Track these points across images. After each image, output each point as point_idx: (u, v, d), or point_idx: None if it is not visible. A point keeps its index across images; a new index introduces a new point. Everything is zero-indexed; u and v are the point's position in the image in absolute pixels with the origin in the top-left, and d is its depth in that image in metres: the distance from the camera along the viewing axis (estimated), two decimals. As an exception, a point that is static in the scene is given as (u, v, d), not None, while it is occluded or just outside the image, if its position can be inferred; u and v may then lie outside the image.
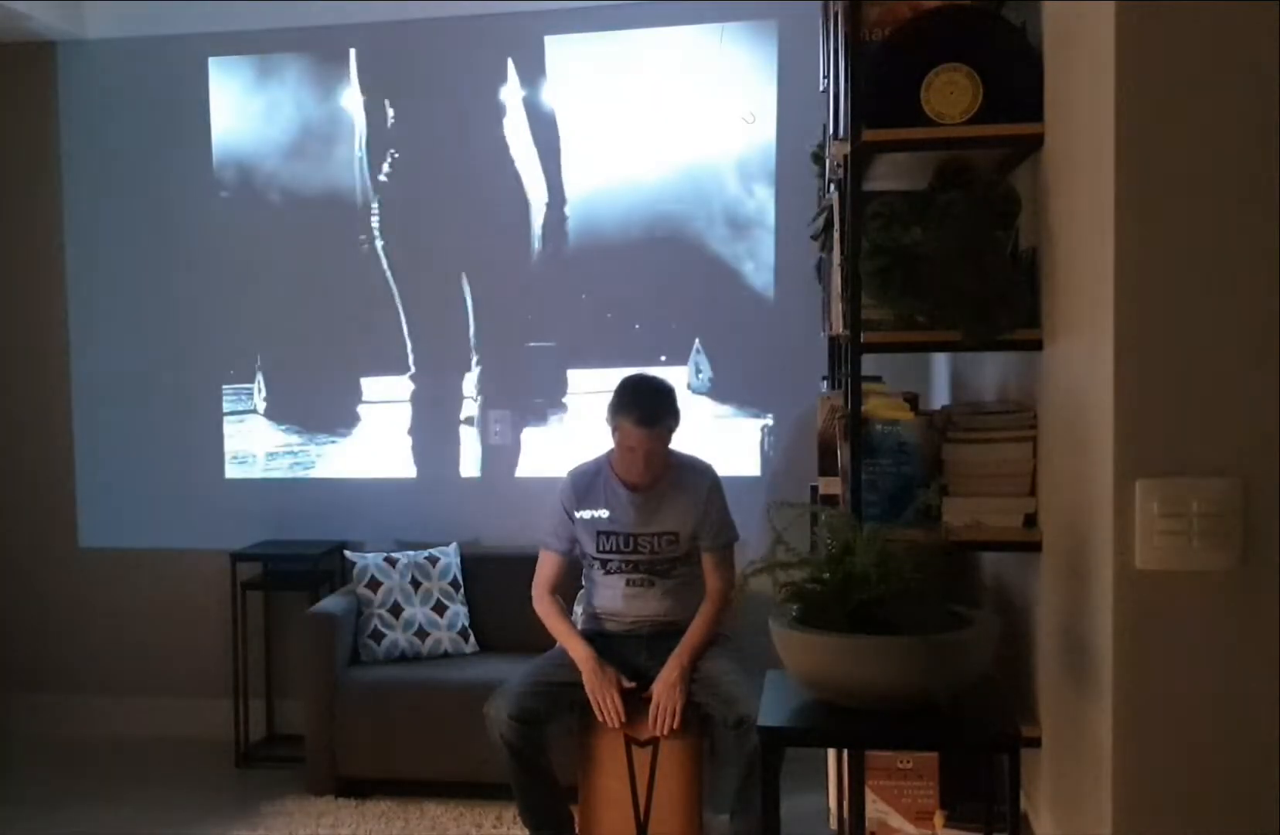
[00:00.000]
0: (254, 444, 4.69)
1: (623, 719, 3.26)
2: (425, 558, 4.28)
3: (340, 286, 4.60)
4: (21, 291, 4.77)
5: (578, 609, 3.73)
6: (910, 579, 1.70)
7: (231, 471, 4.70)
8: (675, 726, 3.26)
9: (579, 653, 3.33)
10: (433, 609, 4.20)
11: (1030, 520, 2.01)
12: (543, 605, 3.48)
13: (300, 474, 4.67)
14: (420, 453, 4.62)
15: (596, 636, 3.46)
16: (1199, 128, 1.43)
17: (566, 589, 3.60)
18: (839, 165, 2.21)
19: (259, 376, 4.67)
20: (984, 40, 1.97)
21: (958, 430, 2.05)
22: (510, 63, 4.44)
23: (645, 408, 3.32)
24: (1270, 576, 1.44)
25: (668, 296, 4.42)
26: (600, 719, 3.28)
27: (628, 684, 3.28)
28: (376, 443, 4.63)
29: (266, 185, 4.62)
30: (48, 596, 4.77)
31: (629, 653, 3.43)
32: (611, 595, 3.48)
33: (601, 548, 3.45)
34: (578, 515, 3.46)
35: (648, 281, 4.42)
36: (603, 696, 3.26)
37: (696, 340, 4.40)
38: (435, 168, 4.53)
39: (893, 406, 2.16)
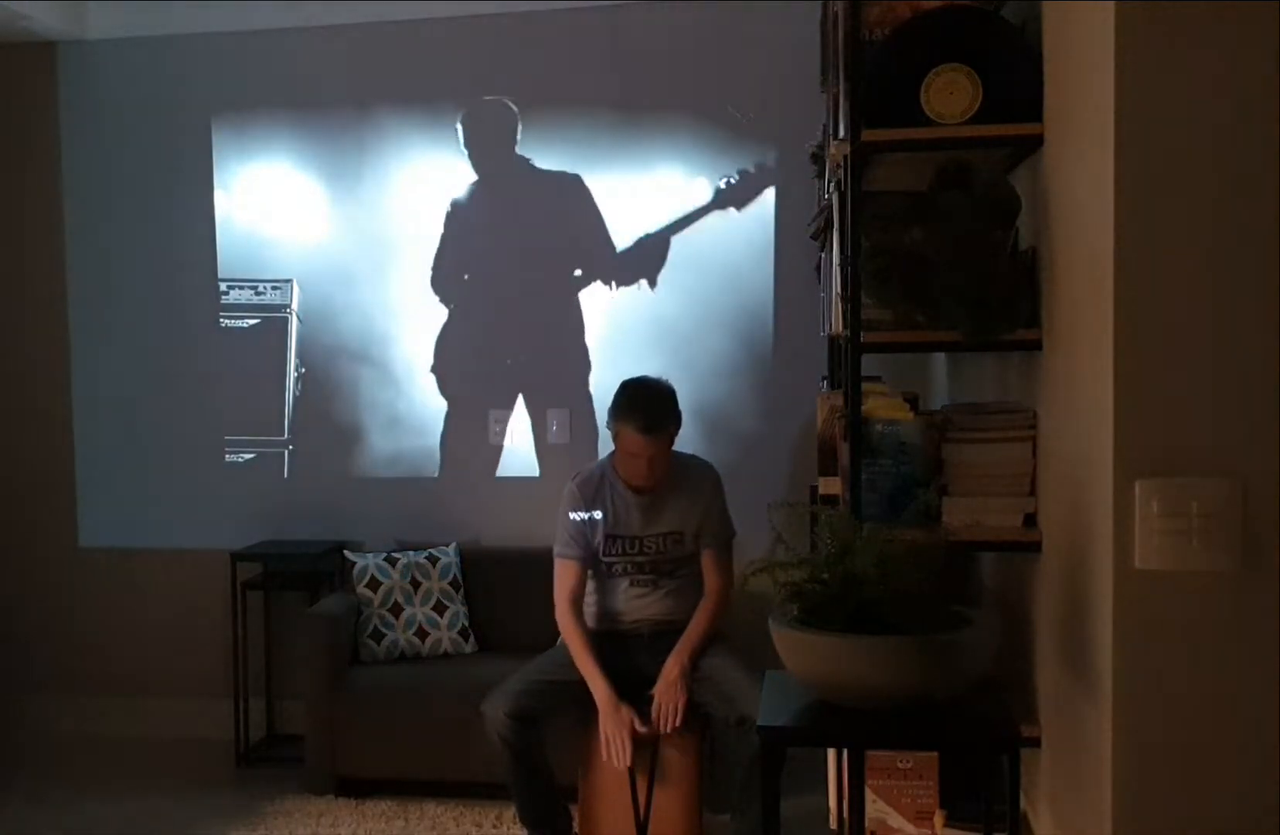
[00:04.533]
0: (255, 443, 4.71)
1: (629, 763, 3.24)
2: (425, 558, 4.28)
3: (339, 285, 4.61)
4: (22, 291, 4.76)
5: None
6: (910, 579, 1.70)
7: (232, 471, 4.70)
8: (677, 724, 3.26)
9: (599, 691, 3.28)
10: (433, 609, 4.20)
11: (1030, 520, 2.01)
12: (567, 625, 3.39)
13: (301, 474, 4.67)
14: (420, 453, 4.62)
15: (607, 635, 3.45)
16: (1199, 127, 1.43)
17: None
18: (839, 165, 2.21)
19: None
20: (984, 40, 1.97)
21: (957, 430, 2.05)
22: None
23: (648, 414, 3.30)
24: (1270, 576, 1.44)
25: (666, 298, 4.43)
26: (605, 758, 3.26)
27: (640, 728, 3.25)
28: (376, 442, 4.63)
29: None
30: (48, 596, 4.77)
31: (631, 652, 3.43)
32: (614, 596, 3.48)
33: (608, 551, 3.45)
34: (586, 518, 3.44)
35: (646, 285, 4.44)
36: (614, 737, 3.23)
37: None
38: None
39: (893, 406, 2.16)
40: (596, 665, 3.31)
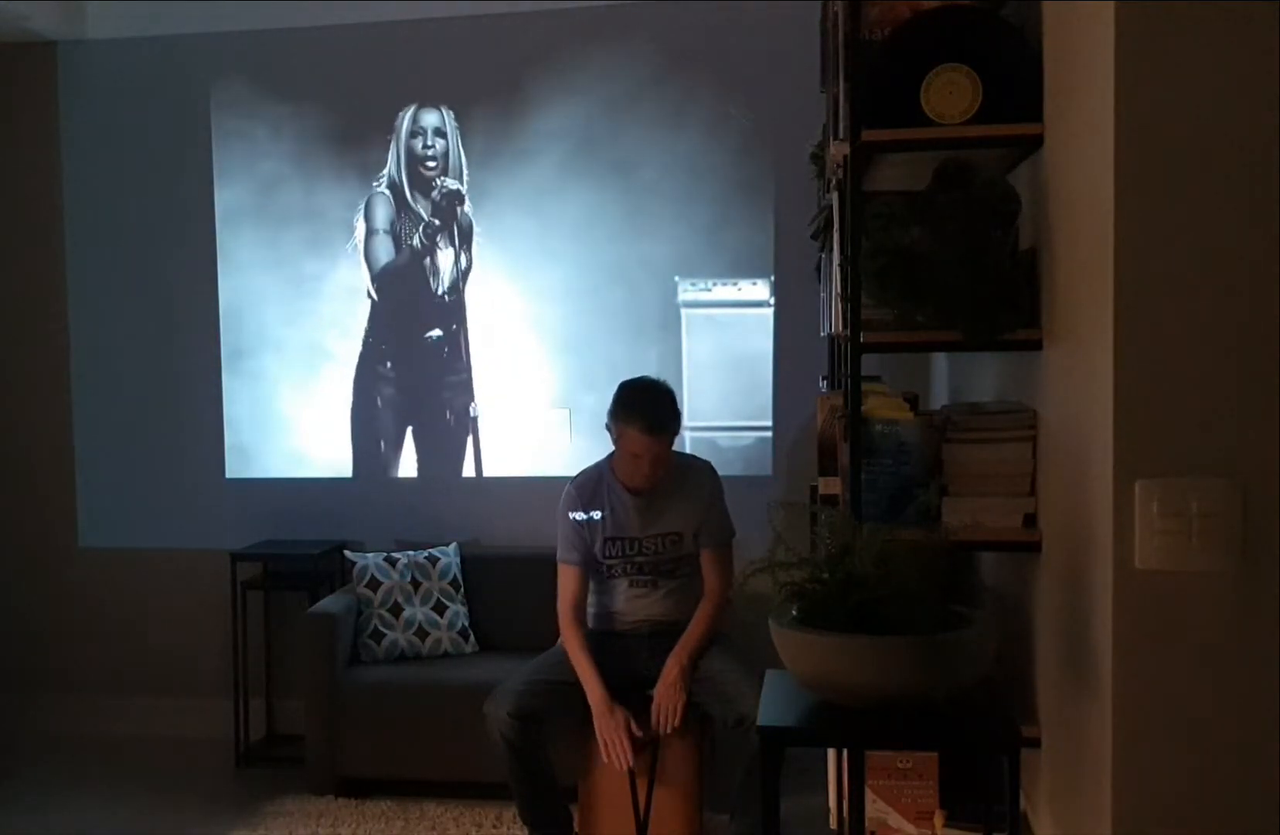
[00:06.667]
0: (255, 443, 4.70)
1: (630, 764, 3.24)
2: (425, 558, 4.28)
3: (337, 286, 4.61)
4: (21, 291, 4.76)
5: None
6: (910, 579, 1.70)
7: (231, 471, 4.70)
8: (677, 725, 3.26)
9: (593, 694, 3.28)
10: (433, 609, 4.20)
11: (1030, 520, 2.01)
12: (568, 631, 3.38)
13: (300, 474, 4.67)
14: (420, 453, 4.62)
15: (606, 636, 3.45)
16: (1199, 128, 1.43)
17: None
18: (839, 165, 2.21)
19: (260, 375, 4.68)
20: (984, 40, 1.96)
21: (957, 430, 2.05)
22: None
23: (651, 415, 3.30)
24: (1270, 576, 1.43)
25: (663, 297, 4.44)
26: (606, 760, 3.25)
27: (636, 731, 3.24)
28: (376, 442, 4.63)
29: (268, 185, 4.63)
30: (48, 596, 4.77)
31: (630, 652, 3.43)
32: (614, 596, 3.48)
33: (607, 553, 3.45)
34: (585, 519, 3.44)
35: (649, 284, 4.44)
36: (612, 739, 3.23)
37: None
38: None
39: (893, 406, 2.16)
40: (593, 669, 3.31)
